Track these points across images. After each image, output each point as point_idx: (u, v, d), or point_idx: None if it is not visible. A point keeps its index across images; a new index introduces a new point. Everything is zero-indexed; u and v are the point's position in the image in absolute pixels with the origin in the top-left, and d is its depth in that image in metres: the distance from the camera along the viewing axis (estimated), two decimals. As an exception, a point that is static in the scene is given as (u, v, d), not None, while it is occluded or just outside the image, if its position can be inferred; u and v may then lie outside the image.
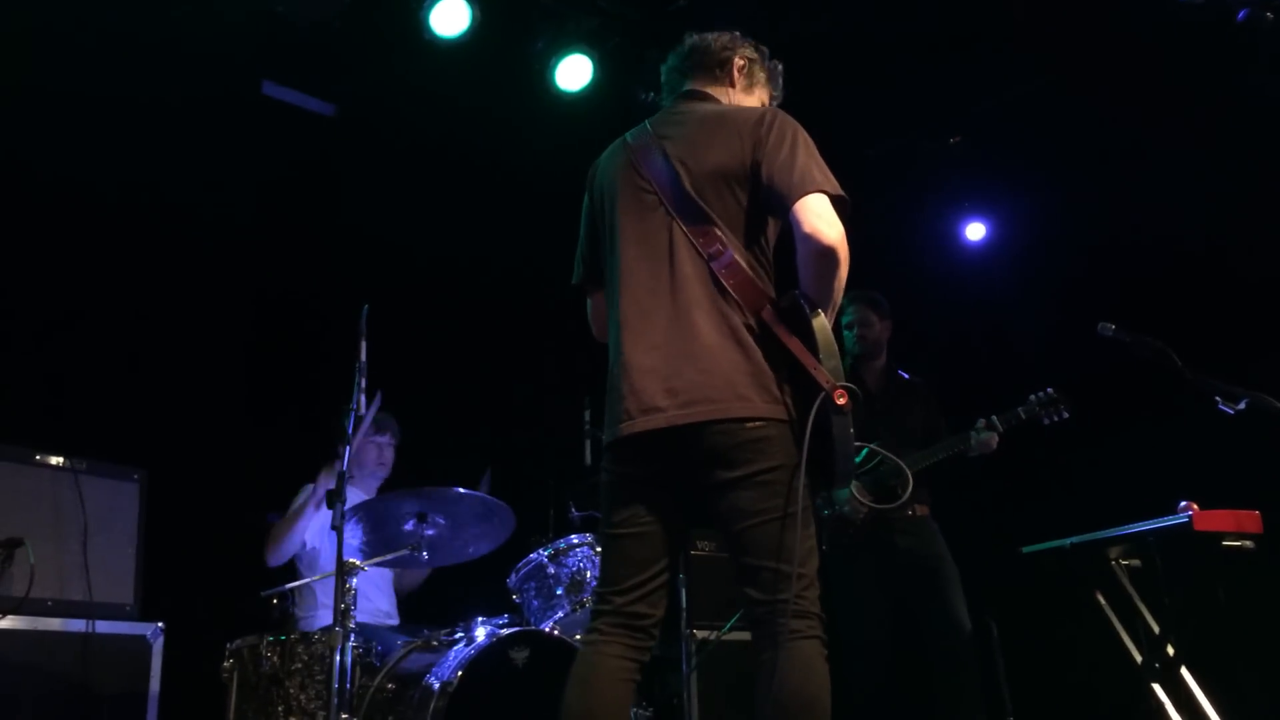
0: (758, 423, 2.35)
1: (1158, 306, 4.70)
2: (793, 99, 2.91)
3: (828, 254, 2.36)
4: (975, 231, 6.29)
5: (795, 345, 2.37)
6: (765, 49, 2.89)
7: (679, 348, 2.43)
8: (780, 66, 2.92)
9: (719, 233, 2.48)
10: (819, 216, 2.37)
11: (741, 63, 2.81)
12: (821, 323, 2.37)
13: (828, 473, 2.35)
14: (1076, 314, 4.21)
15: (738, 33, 2.85)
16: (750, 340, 2.41)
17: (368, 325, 3.36)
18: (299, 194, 5.19)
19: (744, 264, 2.46)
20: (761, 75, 2.85)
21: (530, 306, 5.67)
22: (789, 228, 2.45)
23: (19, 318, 4.37)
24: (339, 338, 3.64)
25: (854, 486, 2.73)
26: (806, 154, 2.48)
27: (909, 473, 3.74)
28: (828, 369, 2.32)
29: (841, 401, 2.29)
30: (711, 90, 2.77)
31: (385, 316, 3.54)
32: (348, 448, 3.23)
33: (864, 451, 4.22)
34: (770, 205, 2.50)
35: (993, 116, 5.78)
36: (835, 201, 2.42)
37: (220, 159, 4.93)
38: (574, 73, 5.17)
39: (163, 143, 4.77)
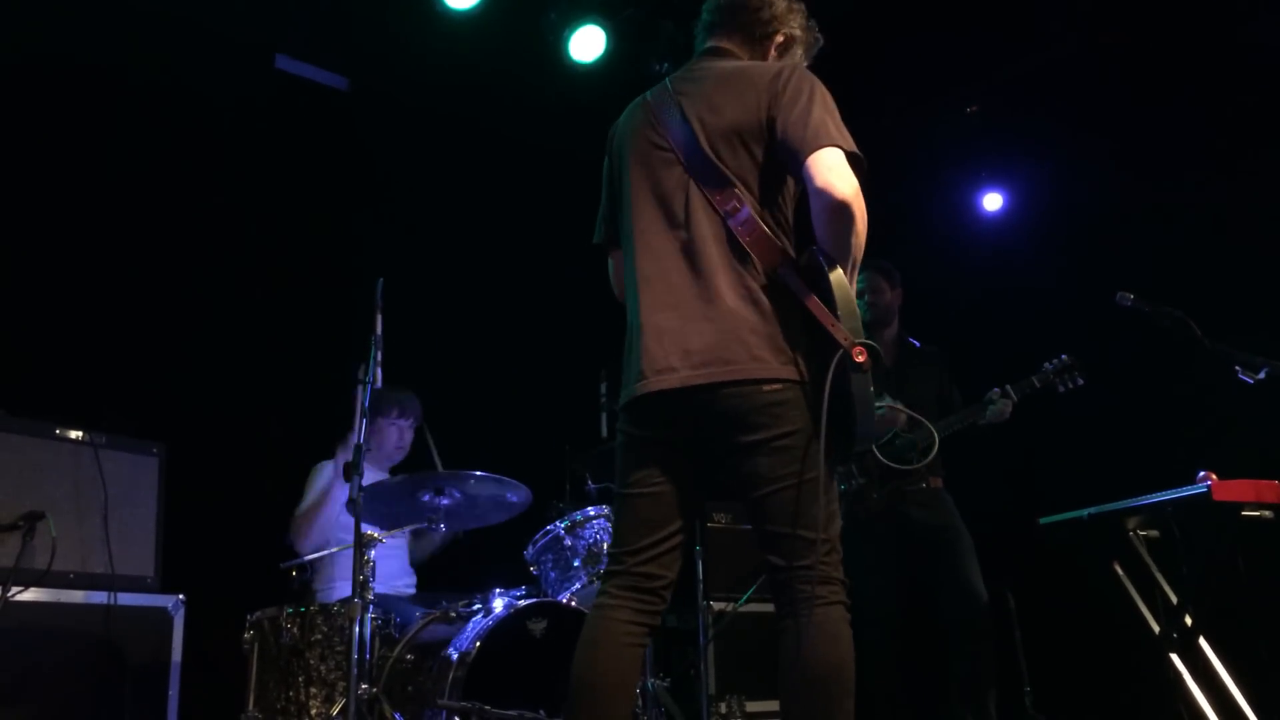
0: (775, 385, 2.30)
1: (1176, 275, 4.66)
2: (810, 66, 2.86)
3: (841, 209, 2.28)
4: (992, 201, 6.25)
5: (813, 303, 2.30)
6: (814, 22, 2.76)
7: (695, 308, 2.38)
8: (820, 40, 2.79)
9: (736, 190, 2.42)
10: (831, 170, 2.29)
11: (781, 39, 2.71)
12: (840, 279, 2.30)
13: (847, 433, 2.28)
14: (1094, 284, 4.18)
15: (800, 4, 2.73)
16: (766, 300, 2.35)
17: (383, 298, 3.36)
18: (313, 168, 5.19)
19: (761, 221, 2.40)
20: (798, 52, 2.75)
21: (546, 277, 5.67)
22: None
23: (39, 292, 4.38)
24: (355, 310, 3.65)
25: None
26: (823, 109, 2.39)
27: (936, 435, 3.74)
28: (847, 327, 2.25)
29: (861, 359, 2.22)
30: (738, 52, 2.68)
31: (401, 289, 3.54)
32: (364, 420, 3.24)
33: (891, 432, 4.24)
34: (785, 161, 2.43)
35: (1010, 85, 5.73)
36: (850, 159, 2.33)
37: (234, 133, 4.94)
38: (587, 44, 5.14)
39: (177, 117, 4.77)
